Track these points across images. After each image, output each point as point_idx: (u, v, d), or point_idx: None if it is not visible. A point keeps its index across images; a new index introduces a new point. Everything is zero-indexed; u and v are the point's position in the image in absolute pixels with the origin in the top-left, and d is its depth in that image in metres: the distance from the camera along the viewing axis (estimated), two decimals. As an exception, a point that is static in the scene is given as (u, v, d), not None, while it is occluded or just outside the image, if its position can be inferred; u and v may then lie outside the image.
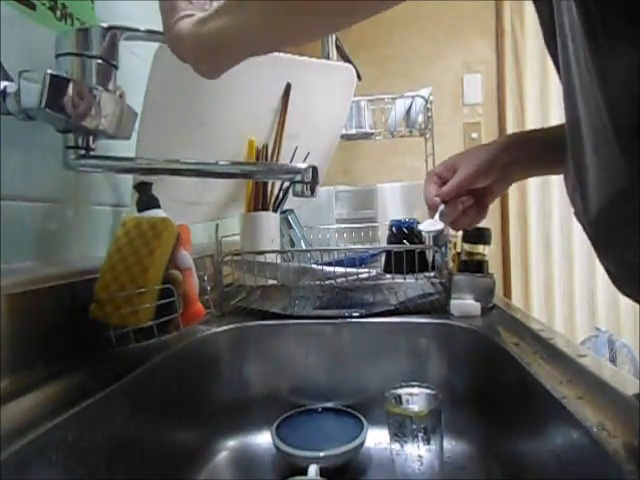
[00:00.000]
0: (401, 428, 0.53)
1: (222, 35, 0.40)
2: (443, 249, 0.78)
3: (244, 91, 0.77)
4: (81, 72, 0.47)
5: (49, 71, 0.42)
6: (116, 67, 0.50)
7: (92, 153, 0.49)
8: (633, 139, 0.29)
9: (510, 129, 2.02)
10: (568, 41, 0.33)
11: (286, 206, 0.96)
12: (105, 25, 0.48)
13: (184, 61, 0.44)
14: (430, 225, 0.54)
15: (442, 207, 0.54)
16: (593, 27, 0.29)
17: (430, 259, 0.84)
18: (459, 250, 0.81)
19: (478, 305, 0.73)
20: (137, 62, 0.70)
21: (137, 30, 0.50)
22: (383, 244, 1.07)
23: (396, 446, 0.54)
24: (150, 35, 0.50)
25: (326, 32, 0.50)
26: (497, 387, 0.60)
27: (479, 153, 0.55)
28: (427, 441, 0.52)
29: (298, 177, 0.45)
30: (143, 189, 0.62)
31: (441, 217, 0.54)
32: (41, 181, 0.53)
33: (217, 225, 0.78)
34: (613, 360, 1.68)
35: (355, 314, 0.73)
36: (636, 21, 0.28)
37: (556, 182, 1.95)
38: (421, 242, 0.89)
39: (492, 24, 2.09)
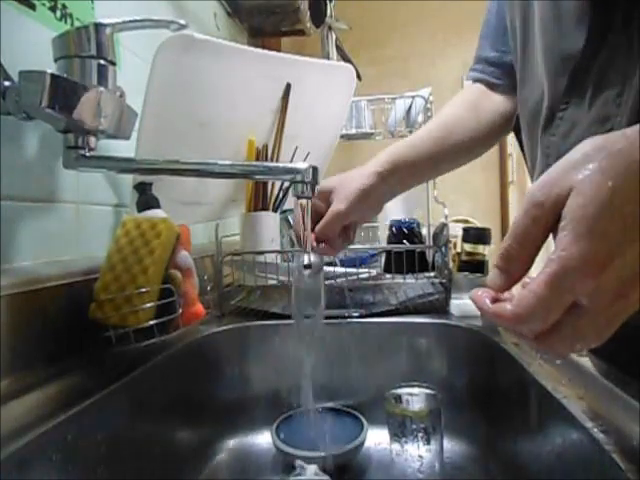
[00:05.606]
0: (401, 428, 0.53)
1: None
2: (443, 249, 0.78)
3: (244, 91, 0.77)
4: (81, 72, 0.47)
5: (49, 71, 0.42)
6: (114, 64, 0.49)
7: (92, 153, 0.49)
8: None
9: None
10: None
11: (286, 206, 0.96)
12: (99, 22, 0.47)
13: None
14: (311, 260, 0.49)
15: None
16: None
17: (430, 259, 0.84)
18: (459, 250, 0.81)
19: (478, 305, 0.72)
20: (137, 62, 0.70)
21: (132, 21, 0.49)
22: (383, 244, 1.06)
23: (396, 446, 0.54)
24: (143, 23, 0.49)
25: None
26: (497, 387, 0.60)
27: (355, 183, 0.54)
28: (427, 441, 0.52)
29: (298, 177, 0.45)
30: (143, 189, 0.62)
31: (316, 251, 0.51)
32: (41, 181, 0.53)
33: (217, 225, 0.78)
34: (613, 360, 1.67)
35: (355, 314, 0.73)
36: None
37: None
38: (421, 242, 0.89)
39: (492, 24, 2.09)
